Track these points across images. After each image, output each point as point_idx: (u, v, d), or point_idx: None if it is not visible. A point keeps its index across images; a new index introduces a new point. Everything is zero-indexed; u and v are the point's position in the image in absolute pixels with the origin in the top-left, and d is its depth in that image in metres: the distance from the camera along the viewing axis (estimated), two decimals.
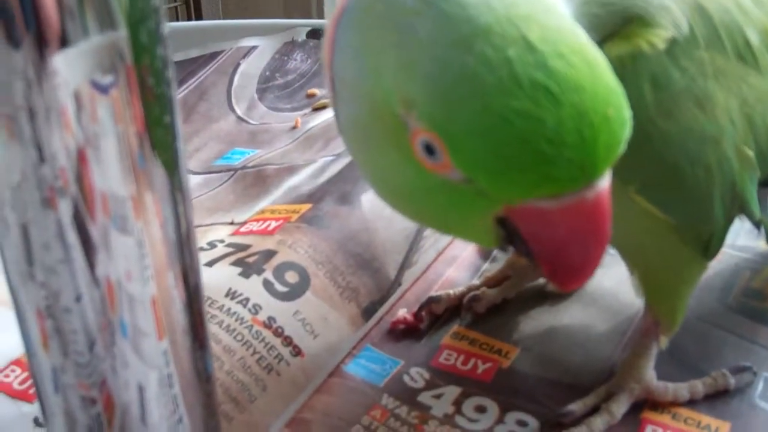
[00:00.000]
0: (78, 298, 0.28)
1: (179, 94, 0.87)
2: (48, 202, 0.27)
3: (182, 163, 0.30)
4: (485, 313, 0.57)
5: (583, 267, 0.36)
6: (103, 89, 0.26)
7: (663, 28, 0.39)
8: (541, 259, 0.36)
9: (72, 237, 0.27)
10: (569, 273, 0.36)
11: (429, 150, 0.33)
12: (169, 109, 0.28)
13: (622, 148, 0.33)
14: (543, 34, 0.32)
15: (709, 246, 0.46)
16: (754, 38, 0.44)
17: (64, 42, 0.25)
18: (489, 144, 0.31)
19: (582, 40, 0.33)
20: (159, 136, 0.28)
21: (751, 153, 0.44)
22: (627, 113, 0.33)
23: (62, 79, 0.25)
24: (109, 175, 0.27)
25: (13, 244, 0.28)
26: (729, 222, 0.45)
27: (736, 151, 0.43)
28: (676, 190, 0.42)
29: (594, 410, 0.49)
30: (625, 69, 0.37)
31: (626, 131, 0.33)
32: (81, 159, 0.26)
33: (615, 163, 0.33)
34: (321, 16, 1.61)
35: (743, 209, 0.45)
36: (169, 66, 0.28)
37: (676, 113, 0.40)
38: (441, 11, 0.33)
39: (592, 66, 0.32)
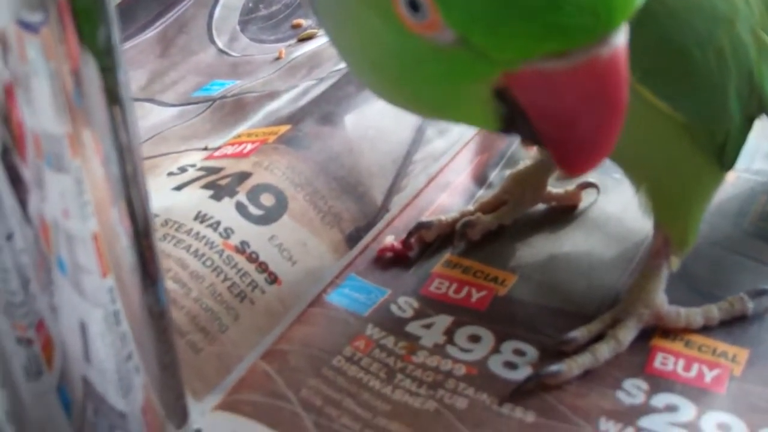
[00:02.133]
0: (9, 237, 0.27)
1: (157, 28, 0.82)
2: None
3: (126, 96, 0.29)
4: (480, 240, 0.52)
5: (597, 143, 0.31)
6: (32, 28, 0.25)
7: None
8: (547, 137, 0.31)
9: (1, 177, 0.26)
10: (580, 152, 0.31)
11: (413, 5, 0.29)
12: (110, 42, 0.27)
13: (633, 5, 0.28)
14: None
15: (725, 151, 0.41)
16: None
17: None
18: None
19: None
20: (99, 71, 0.27)
21: None
22: None
23: None
24: (41, 114, 0.26)
25: None
26: (747, 122, 0.41)
27: (753, 36, 0.38)
28: (685, 78, 0.37)
29: (599, 337, 0.44)
30: None
31: None
32: (9, 98, 0.25)
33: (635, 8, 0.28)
34: None
35: (762, 106, 0.40)
36: None
37: None
38: None
39: None
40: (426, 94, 0.34)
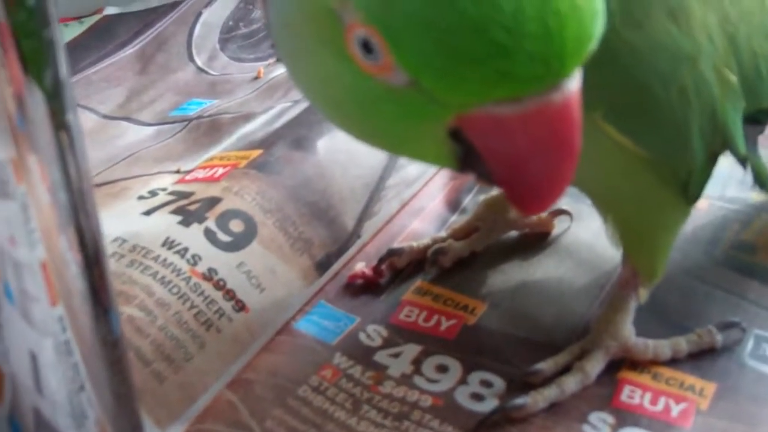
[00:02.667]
0: None
1: (136, 45, 0.82)
2: None
3: (74, 121, 0.28)
4: (451, 267, 0.52)
5: (550, 186, 0.31)
6: None
7: None
8: (500, 178, 0.31)
9: None
10: (533, 193, 0.31)
11: (367, 48, 0.29)
12: (54, 61, 0.26)
13: (593, 43, 0.28)
14: None
15: (689, 186, 0.41)
16: None
17: None
18: (435, 34, 0.27)
19: None
20: (40, 93, 0.26)
21: (733, 77, 0.39)
22: (599, 2, 0.28)
23: None
24: None
25: None
26: (711, 159, 0.41)
27: (716, 73, 0.38)
28: (648, 116, 0.37)
29: (566, 369, 0.44)
30: None
31: (598, 23, 0.28)
32: None
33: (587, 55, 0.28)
34: None
35: (726, 143, 0.40)
36: (51, 15, 0.26)
37: (646, 24, 0.35)
38: None
39: None
40: (382, 133, 0.34)
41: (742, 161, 0.42)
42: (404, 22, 0.27)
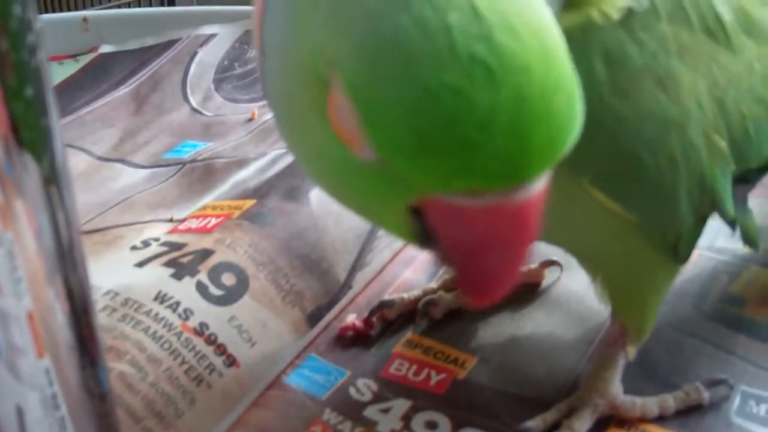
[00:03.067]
0: None
1: (131, 84, 0.82)
2: None
3: (61, 166, 0.27)
4: (442, 318, 0.53)
5: (499, 279, 0.31)
6: None
7: None
8: (453, 263, 0.31)
9: None
10: (481, 284, 0.31)
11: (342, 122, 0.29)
12: (44, 109, 0.26)
13: (566, 147, 0.28)
14: (493, 2, 0.27)
15: (678, 248, 0.41)
16: (725, 14, 0.39)
17: None
18: (408, 119, 0.27)
19: (538, 14, 0.28)
20: (26, 140, 0.25)
21: (722, 143, 0.39)
22: (579, 107, 0.28)
23: None
24: None
25: None
26: (700, 222, 0.41)
27: (705, 139, 0.39)
28: (636, 182, 0.38)
29: (554, 427, 0.44)
30: (574, 42, 0.31)
31: (575, 129, 0.28)
32: None
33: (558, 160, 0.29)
34: None
35: (715, 206, 0.41)
36: (39, 58, 0.25)
37: (633, 93, 0.35)
38: None
39: (545, 46, 0.27)
40: (354, 201, 0.34)
41: (731, 223, 0.42)
42: (380, 100, 0.27)
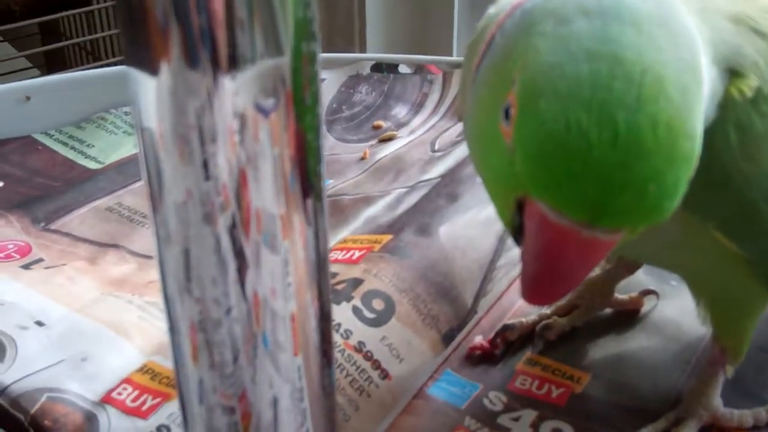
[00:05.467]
0: (228, 311, 0.30)
1: None
2: (209, 218, 0.28)
3: (323, 187, 0.31)
4: (556, 340, 0.61)
5: (545, 290, 0.38)
6: (265, 112, 0.27)
7: (752, 79, 0.41)
8: (522, 256, 0.38)
9: (228, 253, 0.29)
10: (530, 283, 0.38)
11: (507, 113, 0.35)
12: (318, 134, 0.30)
13: (649, 221, 0.34)
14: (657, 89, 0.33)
15: None
16: None
17: (235, 64, 0.26)
18: (542, 131, 0.33)
19: (687, 121, 0.34)
20: (309, 161, 0.29)
21: None
22: (672, 200, 0.34)
23: (232, 100, 0.26)
24: (264, 194, 0.28)
25: (173, 259, 0.30)
26: None
27: None
28: (753, 227, 0.45)
29: None
30: (716, 115, 0.39)
31: (655, 215, 0.34)
32: (241, 177, 0.27)
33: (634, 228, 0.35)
34: (364, 47, 1.64)
35: None
36: (320, 92, 0.29)
37: (757, 156, 0.42)
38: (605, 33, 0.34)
39: (672, 145, 0.33)
40: (489, 182, 0.41)
41: None
42: (531, 109, 0.34)
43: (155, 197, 0.29)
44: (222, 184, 0.27)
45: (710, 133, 0.38)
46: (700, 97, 0.35)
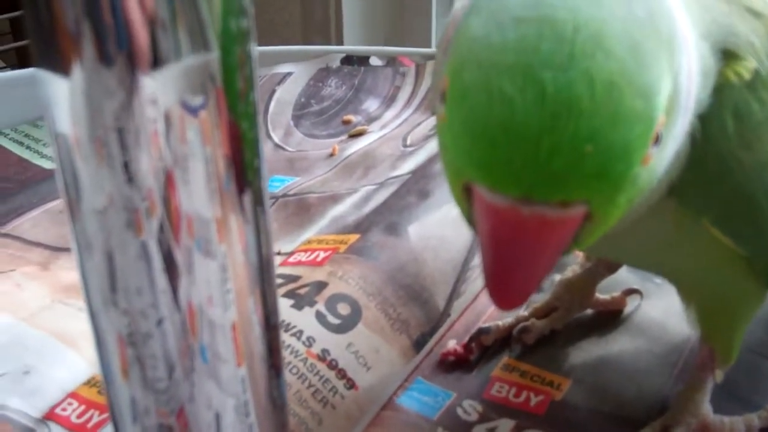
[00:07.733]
0: (159, 323, 0.28)
1: None
2: (133, 224, 0.26)
3: (264, 186, 0.29)
4: (535, 344, 0.57)
5: (507, 280, 0.33)
6: (192, 111, 0.25)
7: (749, 60, 0.38)
8: (480, 249, 0.33)
9: (156, 260, 0.27)
10: (489, 280, 0.33)
11: (443, 96, 0.32)
12: (254, 131, 0.28)
13: (600, 190, 0.30)
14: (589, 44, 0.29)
15: None
16: None
17: (156, 62, 0.24)
18: (465, 103, 0.30)
19: (633, 71, 0.30)
20: (245, 159, 0.27)
21: None
22: (624, 164, 0.30)
23: (153, 100, 0.25)
24: (196, 196, 0.26)
25: (96, 269, 0.28)
26: None
27: None
28: (752, 222, 0.42)
29: None
30: (712, 100, 0.36)
31: (612, 181, 0.30)
32: (168, 180, 0.26)
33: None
34: (340, 41, 1.61)
35: None
36: (255, 88, 0.28)
37: (756, 145, 0.39)
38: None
39: (616, 102, 0.29)
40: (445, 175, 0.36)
41: None
42: (457, 84, 0.30)
43: (72, 205, 0.27)
44: (147, 188, 0.26)
45: (705, 120, 0.35)
46: (662, 55, 0.31)
